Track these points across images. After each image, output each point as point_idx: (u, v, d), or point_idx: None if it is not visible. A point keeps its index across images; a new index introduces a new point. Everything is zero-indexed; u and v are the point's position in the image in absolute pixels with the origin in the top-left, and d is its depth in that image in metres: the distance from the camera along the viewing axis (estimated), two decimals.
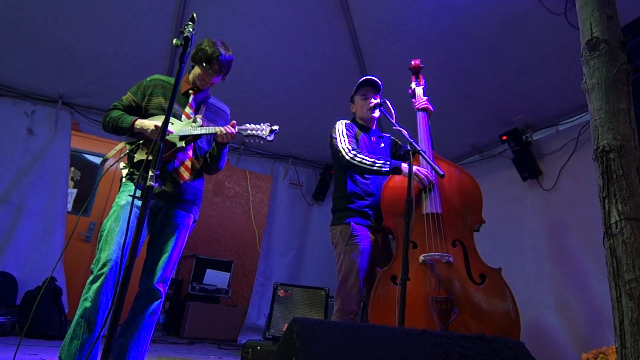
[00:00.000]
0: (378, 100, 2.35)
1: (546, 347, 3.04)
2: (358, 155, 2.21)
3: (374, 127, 2.55)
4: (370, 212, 2.31)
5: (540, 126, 3.55)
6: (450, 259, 2.05)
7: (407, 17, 3.13)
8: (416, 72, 2.59)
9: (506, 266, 2.10)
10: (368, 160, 2.19)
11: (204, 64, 2.07)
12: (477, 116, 3.72)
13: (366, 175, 2.34)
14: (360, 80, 2.49)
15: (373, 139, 2.49)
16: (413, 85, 2.57)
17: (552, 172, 3.39)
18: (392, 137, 2.67)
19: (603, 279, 1.24)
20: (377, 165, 2.17)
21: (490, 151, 3.99)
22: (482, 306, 1.99)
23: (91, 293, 1.73)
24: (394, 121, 2.16)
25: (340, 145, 2.27)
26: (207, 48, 2.06)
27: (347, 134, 2.32)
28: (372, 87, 2.45)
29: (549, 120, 3.48)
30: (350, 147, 2.24)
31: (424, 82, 2.57)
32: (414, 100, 2.52)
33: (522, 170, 3.56)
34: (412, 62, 2.60)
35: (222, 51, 2.08)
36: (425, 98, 2.48)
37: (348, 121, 2.45)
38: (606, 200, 1.15)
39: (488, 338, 1.37)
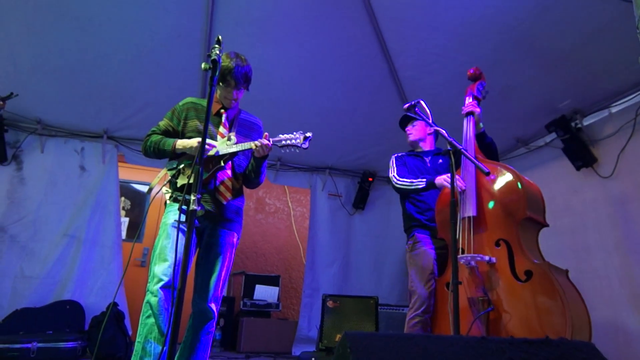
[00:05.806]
0: (417, 116, 2.39)
1: (623, 347, 2.80)
2: (400, 179, 2.56)
3: (428, 148, 2.75)
4: (430, 224, 2.52)
5: (590, 110, 3.32)
6: (486, 258, 2.06)
7: (434, 12, 3.04)
8: (474, 79, 2.59)
9: (572, 264, 1.98)
10: (407, 181, 2.51)
11: (220, 83, 2.07)
12: (519, 107, 3.54)
13: (421, 193, 2.57)
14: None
15: (427, 159, 2.69)
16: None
17: (609, 158, 3.16)
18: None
19: None
20: (414, 184, 2.48)
21: (536, 142, 3.80)
22: (526, 303, 1.92)
23: (153, 309, 1.82)
24: (430, 121, 2.18)
25: (390, 175, 2.65)
26: (221, 64, 2.01)
27: (395, 164, 2.69)
28: (405, 123, 2.78)
29: (599, 103, 3.24)
30: (395, 174, 2.61)
31: (477, 89, 2.53)
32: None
33: (574, 160, 3.35)
34: (470, 71, 2.60)
35: (234, 63, 2.03)
36: (470, 102, 2.48)
37: (399, 154, 2.79)
38: None
39: (554, 342, 1.28)
